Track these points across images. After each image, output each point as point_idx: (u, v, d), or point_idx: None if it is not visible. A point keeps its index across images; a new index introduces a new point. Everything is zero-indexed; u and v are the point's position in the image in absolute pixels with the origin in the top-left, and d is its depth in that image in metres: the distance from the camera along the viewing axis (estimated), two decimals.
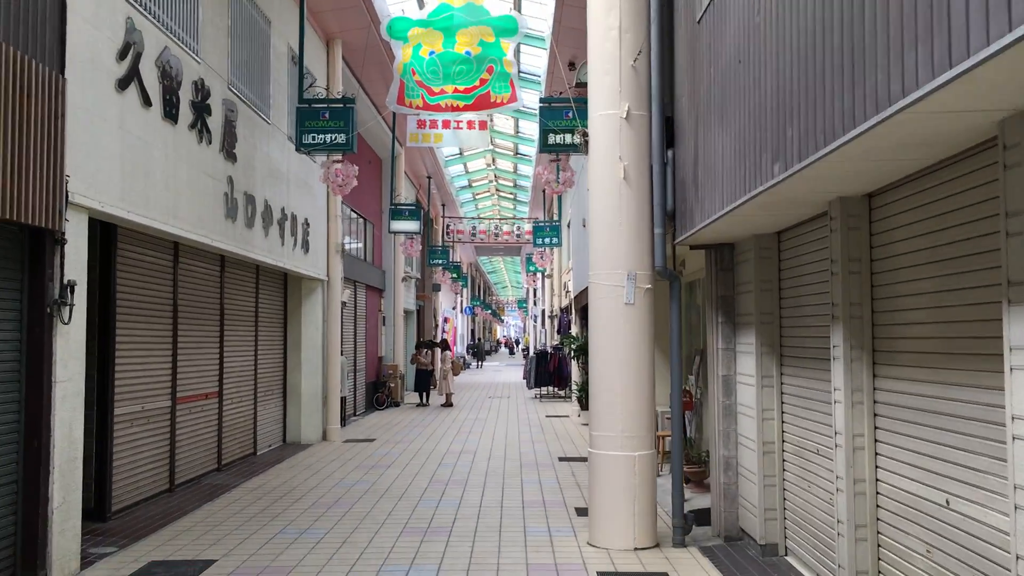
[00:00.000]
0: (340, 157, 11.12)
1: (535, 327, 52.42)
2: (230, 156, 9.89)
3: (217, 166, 9.54)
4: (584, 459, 12.10)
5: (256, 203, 10.83)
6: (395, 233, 20.03)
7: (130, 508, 8.68)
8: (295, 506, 9.01)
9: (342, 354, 16.62)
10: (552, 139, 10.65)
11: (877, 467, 4.88)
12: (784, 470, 6.59)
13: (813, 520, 5.90)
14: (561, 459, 12.29)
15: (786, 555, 6.60)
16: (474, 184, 33.14)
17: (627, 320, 7.21)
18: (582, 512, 8.59)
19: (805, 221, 6.02)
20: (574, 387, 18.39)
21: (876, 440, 4.89)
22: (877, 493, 4.88)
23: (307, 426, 14.17)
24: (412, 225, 19.38)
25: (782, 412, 6.65)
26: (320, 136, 10.76)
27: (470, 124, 14.99)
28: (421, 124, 15.12)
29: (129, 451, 8.69)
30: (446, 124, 15.07)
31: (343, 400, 16.12)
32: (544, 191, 29.33)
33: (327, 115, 10.73)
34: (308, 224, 13.44)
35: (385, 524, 8.17)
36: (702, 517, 7.74)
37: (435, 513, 8.65)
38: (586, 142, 7.65)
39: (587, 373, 17.58)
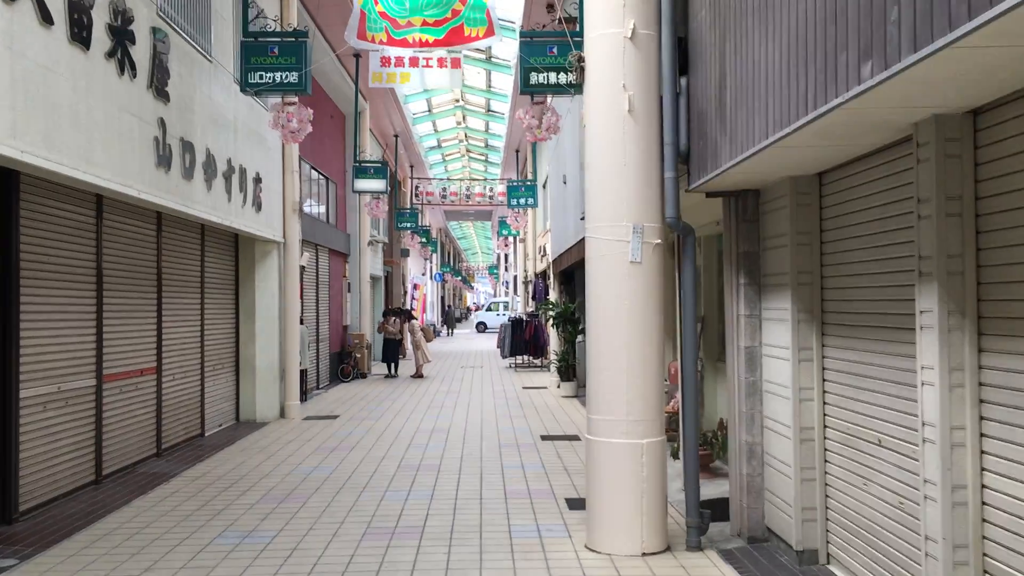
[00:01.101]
0: (293, 99, 9.73)
1: (507, 293, 51.24)
2: (161, 95, 8.50)
3: (145, 105, 8.15)
4: (570, 437, 10.94)
5: (196, 152, 9.45)
6: (360, 193, 18.65)
7: (44, 506, 7.39)
8: (241, 500, 7.76)
9: (302, 323, 15.33)
10: (535, 78, 9.34)
11: (984, 470, 3.73)
12: (827, 462, 5.44)
13: (873, 527, 4.76)
14: (544, 438, 11.13)
15: (828, 563, 5.48)
16: (443, 144, 31.70)
17: (633, 281, 6.00)
18: (575, 505, 7.43)
19: (860, 157, 4.82)
20: (553, 356, 17.23)
21: (982, 435, 3.73)
22: (983, 504, 3.73)
23: (263, 403, 12.89)
24: (378, 184, 18.01)
25: (823, 392, 5.49)
26: (269, 75, 9.38)
27: (440, 62, 13.55)
28: (385, 62, 13.67)
29: (42, 439, 7.37)
30: (413, 62, 13.62)
31: (303, 373, 14.84)
32: (517, 152, 28.06)
33: (276, 50, 9.34)
34: (260, 179, 12.06)
35: (345, 523, 6.96)
36: (714, 510, 6.60)
37: (404, 508, 7.44)
38: (581, 68, 6.37)
39: (569, 342, 16.49)
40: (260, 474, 8.94)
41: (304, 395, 15.10)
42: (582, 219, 11.54)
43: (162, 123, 8.50)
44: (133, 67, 7.86)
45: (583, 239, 13.11)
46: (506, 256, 51.31)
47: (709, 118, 5.70)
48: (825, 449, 5.46)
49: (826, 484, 5.45)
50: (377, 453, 10.11)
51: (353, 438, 11.23)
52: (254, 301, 12.89)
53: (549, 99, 10.24)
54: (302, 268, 14.12)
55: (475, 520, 7.02)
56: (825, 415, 5.46)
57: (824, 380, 5.48)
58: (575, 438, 11.04)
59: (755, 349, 6.20)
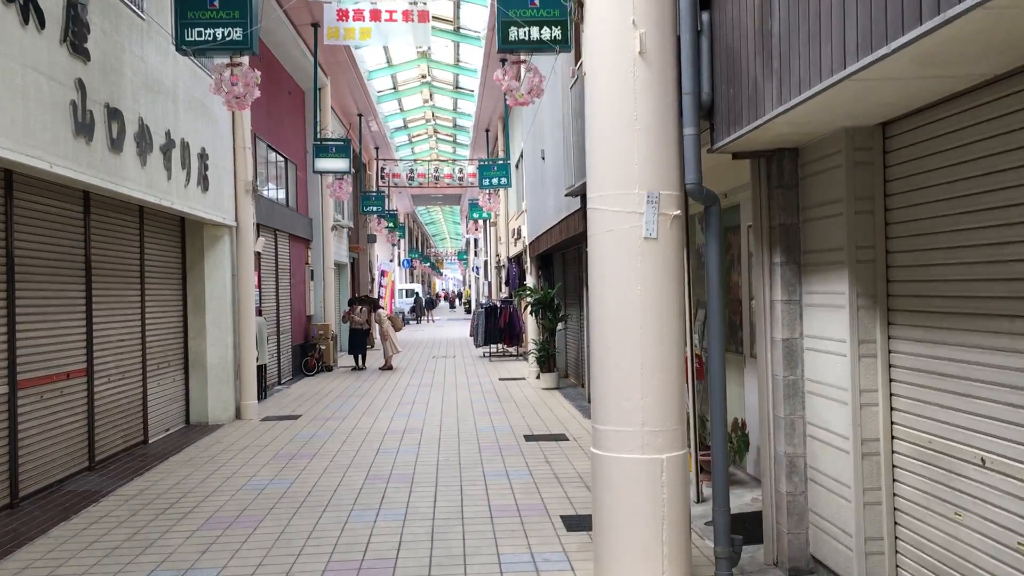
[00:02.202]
0: (239, 59, 8.50)
1: (476, 279, 50.10)
2: (79, 52, 7.25)
3: (57, 63, 6.91)
4: (556, 437, 9.87)
5: (125, 121, 8.21)
6: (321, 173, 17.39)
7: None
8: (180, 526, 6.60)
9: (260, 314, 14.12)
10: (514, 34, 8.22)
11: None
12: (897, 482, 4.40)
13: (972, 570, 3.72)
14: (528, 438, 10.05)
15: None
16: (410, 124, 30.40)
17: (648, 261, 4.91)
18: (573, 524, 6.37)
19: (954, 96, 3.76)
20: (532, 345, 16.15)
21: None
22: None
23: (215, 403, 11.68)
24: (340, 163, 16.76)
25: (891, 395, 4.44)
26: (208, 31, 8.14)
27: (406, 15, 12.28)
28: (342, 15, 12.37)
29: None
30: (375, 15, 12.34)
31: (261, 369, 13.63)
32: (487, 131, 26.86)
33: (216, 2, 8.10)
34: (206, 156, 10.81)
35: (302, 556, 5.83)
36: (741, 529, 5.56)
37: (372, 533, 6.32)
38: (580, 3, 5.25)
39: (548, 331, 15.42)
40: (206, 490, 7.77)
41: (263, 392, 13.90)
42: (567, 195, 10.45)
43: (80, 85, 7.25)
44: (40, 17, 6.61)
45: (565, 219, 12.05)
46: (476, 241, 50.14)
47: (744, 57, 4.60)
48: (894, 466, 4.41)
49: (895, 510, 4.41)
50: (342, 460, 8.97)
51: (316, 442, 10.08)
52: (204, 291, 11.66)
53: (529, 59, 9.10)
54: (257, 254, 12.89)
55: (457, 548, 5.92)
56: (894, 424, 4.42)
57: (892, 381, 4.43)
58: (562, 438, 9.97)
59: (795, 342, 5.14)
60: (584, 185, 9.42)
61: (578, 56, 8.76)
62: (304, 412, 12.60)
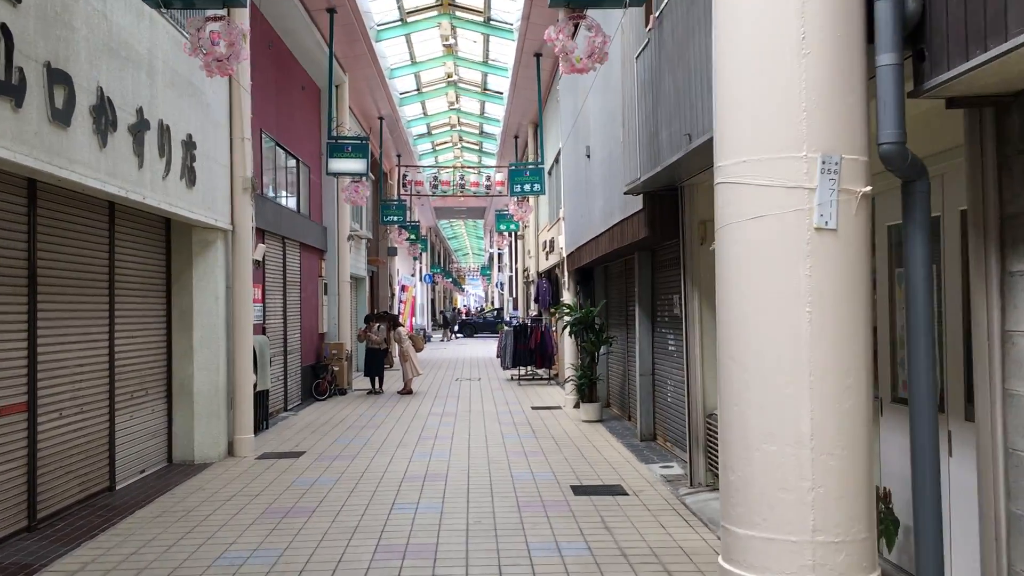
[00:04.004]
0: (222, 14, 6.72)
1: (501, 295, 48.31)
2: None
3: None
4: (611, 489, 7.96)
5: (76, 88, 6.46)
6: (336, 175, 15.65)
7: None
8: None
9: (263, 332, 12.36)
10: None
11: None
12: None
13: None
14: (576, 490, 8.16)
15: None
16: (434, 131, 28.69)
17: (822, 266, 3.10)
18: None
19: None
20: (569, 371, 14.28)
21: None
22: None
23: (204, 438, 9.88)
24: (357, 164, 15.01)
25: None
26: None
27: None
28: None
29: None
30: None
31: (262, 395, 11.85)
32: (516, 138, 25.09)
33: None
34: (194, 145, 9.06)
35: None
36: None
37: None
38: None
39: (590, 354, 13.54)
40: (168, 565, 5.96)
41: (265, 422, 12.12)
42: (628, 192, 8.61)
43: (4, 32, 5.50)
44: None
45: (619, 224, 10.14)
46: (500, 255, 48.37)
47: None
48: None
49: None
50: (347, 520, 7.12)
51: (317, 491, 8.25)
52: (191, 306, 9.89)
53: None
54: (257, 263, 11.12)
55: None
56: None
57: None
58: (618, 490, 8.09)
59: None
60: (653, 179, 7.60)
61: (649, 11, 6.94)
62: (309, 447, 10.78)
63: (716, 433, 7.65)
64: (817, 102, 3.06)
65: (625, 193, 8.42)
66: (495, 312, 51.49)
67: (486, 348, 33.35)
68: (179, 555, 6.22)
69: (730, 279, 3.28)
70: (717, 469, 7.84)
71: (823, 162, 3.04)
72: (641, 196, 8.41)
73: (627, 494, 7.95)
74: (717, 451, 7.84)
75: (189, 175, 8.89)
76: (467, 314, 79.46)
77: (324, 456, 10.17)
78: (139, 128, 7.63)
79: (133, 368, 8.84)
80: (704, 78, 5.46)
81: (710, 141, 5.67)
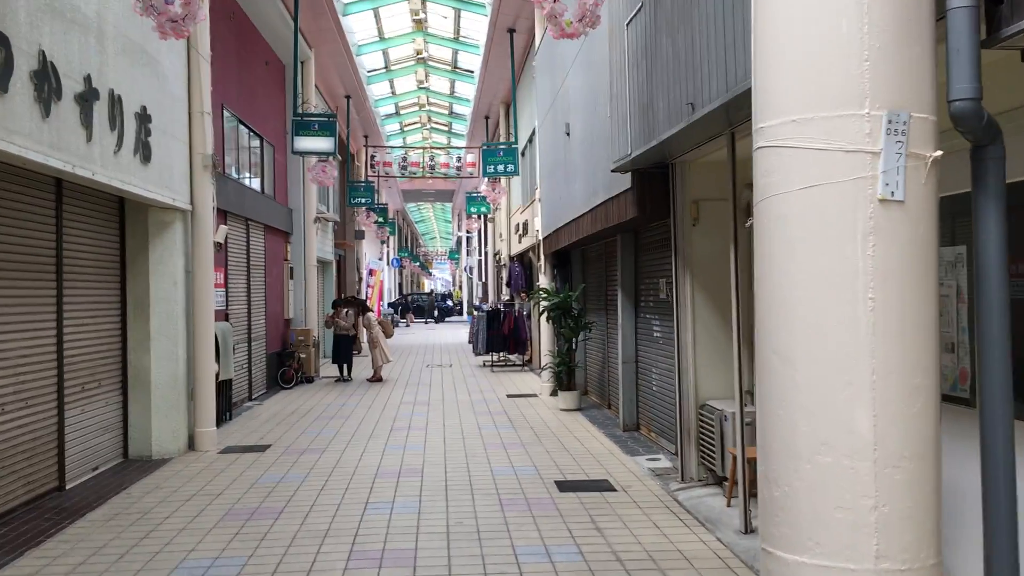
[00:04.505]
0: None
1: (469, 279, 47.75)
2: None
3: None
4: (598, 485, 7.49)
5: (13, 50, 5.83)
6: (302, 154, 15.00)
7: None
8: None
9: (226, 319, 11.75)
10: None
11: None
12: None
13: None
14: (561, 486, 7.69)
15: None
16: (402, 111, 27.99)
17: (887, 245, 2.62)
18: None
19: None
20: (547, 358, 13.82)
21: None
22: None
23: (162, 432, 9.28)
24: (324, 143, 14.38)
25: None
26: None
27: None
28: None
29: None
30: None
31: (224, 385, 11.25)
32: (487, 119, 24.47)
33: None
34: (148, 117, 8.41)
35: None
36: None
37: None
38: None
39: (568, 340, 13.06)
40: None
41: (228, 413, 11.53)
42: (616, 170, 8.11)
43: None
44: None
45: (603, 204, 9.58)
46: (468, 239, 47.79)
47: None
48: None
49: None
50: (317, 522, 6.60)
51: (285, 488, 7.71)
52: (148, 291, 9.27)
53: None
54: (218, 245, 10.50)
55: None
56: None
57: None
58: (605, 486, 7.64)
59: None
60: (644, 155, 7.11)
61: None
62: (275, 440, 10.21)
63: (709, 425, 7.20)
64: (881, 49, 2.59)
65: (612, 171, 7.93)
66: (439, 296, 51.77)
67: (456, 333, 32.84)
68: (133, 564, 5.67)
69: (773, 260, 2.80)
70: (710, 463, 7.42)
71: (889, 121, 2.57)
72: (629, 174, 7.93)
73: (615, 490, 7.50)
74: (709, 444, 7.42)
75: (144, 150, 8.26)
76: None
77: (291, 449, 9.61)
78: (87, 97, 6.99)
79: (84, 358, 8.22)
80: (712, 39, 4.98)
81: (716, 110, 5.21)
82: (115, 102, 7.58)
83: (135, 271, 9.24)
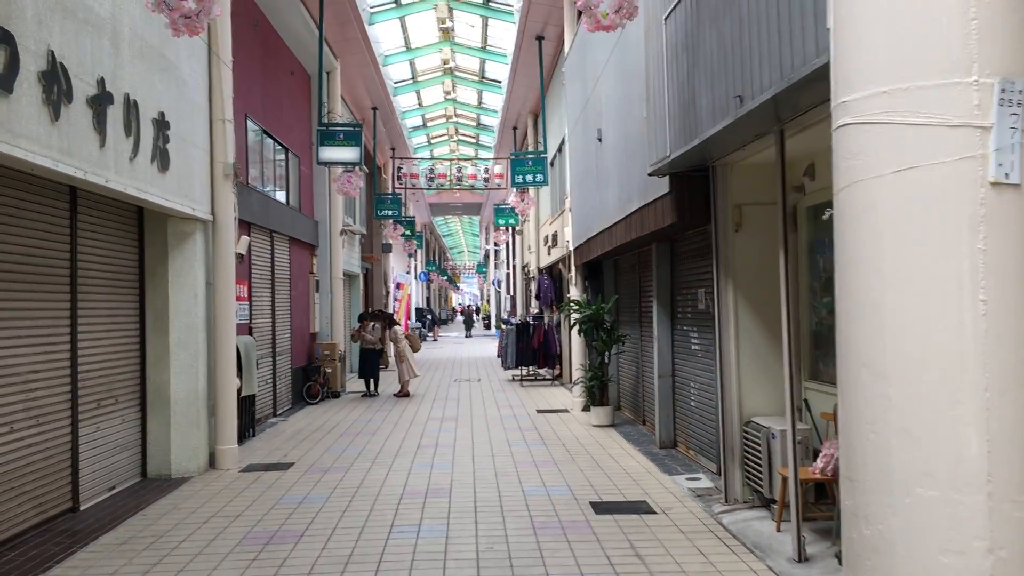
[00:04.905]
0: None
1: (497, 293, 47.38)
2: None
3: None
4: (636, 507, 7.03)
5: (19, 49, 5.55)
6: (327, 164, 14.73)
7: None
8: None
9: (250, 332, 11.47)
10: None
11: None
12: None
13: None
14: (597, 508, 7.26)
15: None
16: (429, 123, 27.76)
17: (1000, 238, 2.19)
18: None
19: None
20: (579, 372, 13.40)
21: None
22: None
23: (181, 450, 8.97)
24: (349, 153, 14.10)
25: None
26: None
27: None
28: None
29: None
30: None
31: (247, 401, 10.95)
32: (515, 129, 24.16)
33: None
34: (166, 124, 8.14)
35: None
36: None
37: None
38: None
39: (601, 354, 12.61)
40: None
41: (251, 429, 11.22)
42: (652, 174, 7.69)
43: None
44: None
45: (638, 211, 9.13)
46: (496, 252, 47.46)
47: None
48: None
49: None
50: (339, 548, 6.22)
51: (306, 511, 7.35)
52: (167, 304, 8.98)
53: None
54: (240, 256, 10.20)
55: None
56: None
57: None
58: (644, 508, 7.19)
59: None
60: (684, 156, 6.69)
61: None
62: (298, 458, 9.87)
63: (755, 444, 6.75)
64: (991, 5, 2.19)
65: (649, 175, 7.52)
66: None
67: (483, 348, 32.47)
68: None
69: (860, 257, 2.39)
70: (756, 484, 6.97)
71: (1002, 90, 2.17)
72: (667, 179, 7.52)
73: (655, 512, 7.06)
74: (755, 464, 6.96)
75: (161, 158, 7.97)
76: (461, 312, 79.61)
77: (315, 468, 9.26)
78: (100, 101, 6.71)
79: (100, 374, 7.93)
80: (763, 25, 4.58)
81: (766, 103, 4.80)
82: (131, 107, 7.30)
83: (154, 283, 8.95)
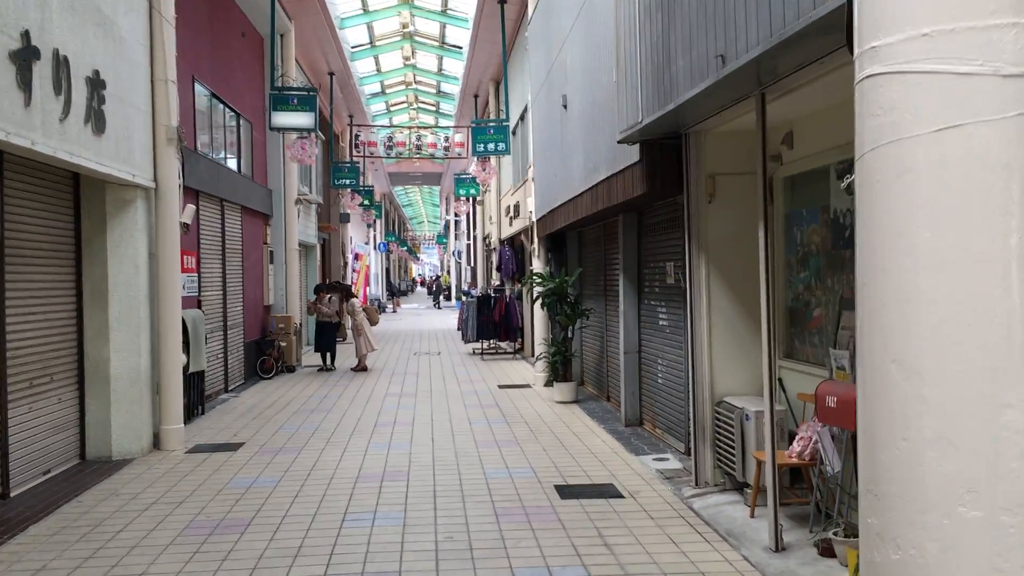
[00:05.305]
0: None
1: (458, 264, 46.90)
2: None
3: None
4: (603, 490, 6.66)
5: None
6: (280, 130, 14.14)
7: None
8: None
9: (199, 306, 10.96)
10: None
11: None
12: None
13: None
14: (562, 491, 6.94)
15: None
16: (388, 90, 27.07)
17: None
18: None
19: None
20: (541, 347, 13.06)
21: None
22: None
23: (123, 430, 8.48)
24: (304, 119, 13.55)
25: None
26: None
27: None
28: None
29: None
30: None
31: (196, 377, 10.46)
32: (476, 97, 23.56)
33: None
34: (102, 83, 7.56)
35: None
36: None
37: None
38: None
39: (562, 328, 12.21)
40: None
41: (201, 407, 10.75)
42: (622, 141, 7.30)
43: None
44: None
45: (606, 180, 8.65)
46: (456, 223, 46.91)
47: None
48: None
49: None
50: (288, 538, 5.83)
51: (255, 495, 6.93)
52: (106, 276, 8.45)
53: None
54: (184, 226, 9.67)
55: None
56: None
57: None
58: (611, 491, 6.89)
59: None
60: (658, 122, 6.30)
61: None
62: (249, 437, 9.43)
63: (728, 425, 6.46)
64: None
65: (619, 142, 7.13)
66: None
67: (444, 320, 32.06)
68: None
69: (888, 233, 2.03)
70: (728, 467, 6.68)
71: None
72: (637, 147, 7.14)
73: (623, 496, 6.75)
74: (727, 446, 6.66)
75: (96, 120, 7.41)
76: (422, 283, 79.11)
77: (266, 448, 8.83)
78: (25, 56, 6.14)
79: (32, 351, 7.41)
80: None
81: (748, 65, 4.43)
82: (61, 63, 6.73)
83: (92, 254, 8.41)
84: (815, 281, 6.17)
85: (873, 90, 2.09)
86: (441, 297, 46.59)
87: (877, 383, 2.09)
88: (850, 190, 5.57)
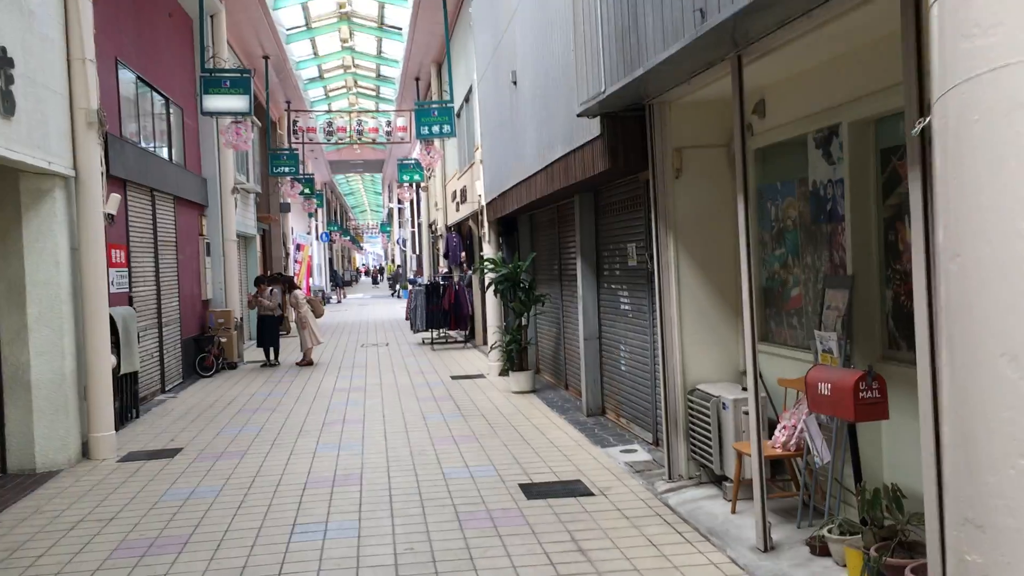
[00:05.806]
0: None
1: (403, 252, 46.15)
2: None
3: None
4: (570, 487, 6.18)
5: None
6: (213, 115, 13.39)
7: None
8: None
9: (130, 303, 10.26)
10: None
11: None
12: None
13: None
14: (527, 490, 6.49)
15: None
16: (326, 75, 26.24)
17: None
18: None
19: None
20: (495, 335, 12.60)
21: None
22: None
23: (47, 440, 7.81)
24: (238, 102, 12.84)
25: None
26: None
27: None
28: None
29: None
30: None
31: (129, 379, 9.78)
32: (418, 80, 22.89)
33: None
34: (10, 61, 6.86)
35: None
36: None
37: None
38: None
39: (517, 315, 11.70)
40: None
41: (135, 410, 10.08)
42: (582, 115, 6.81)
43: None
44: None
45: (563, 158, 7.82)
46: (400, 210, 46.14)
47: None
48: None
49: None
50: (230, 558, 5.28)
51: (193, 508, 6.35)
52: (23, 273, 7.75)
53: None
54: (109, 217, 8.97)
55: None
56: None
57: None
58: (580, 489, 6.45)
59: None
60: (621, 92, 5.81)
61: None
62: (187, 442, 8.80)
63: (703, 414, 6.06)
64: None
65: (579, 115, 6.66)
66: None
67: (391, 309, 31.41)
68: None
69: (991, 189, 1.58)
70: (703, 459, 6.28)
71: None
72: (597, 120, 6.69)
73: (593, 494, 6.32)
74: (702, 437, 6.24)
75: (4, 101, 6.71)
76: (366, 272, 77.95)
77: (206, 454, 8.22)
78: None
79: None
80: None
81: (730, 20, 4.00)
82: None
83: (5, 250, 7.70)
84: (792, 258, 5.80)
85: (964, 4, 1.64)
86: (398, 285, 45.83)
87: (978, 384, 1.64)
88: (783, 166, 5.17)
